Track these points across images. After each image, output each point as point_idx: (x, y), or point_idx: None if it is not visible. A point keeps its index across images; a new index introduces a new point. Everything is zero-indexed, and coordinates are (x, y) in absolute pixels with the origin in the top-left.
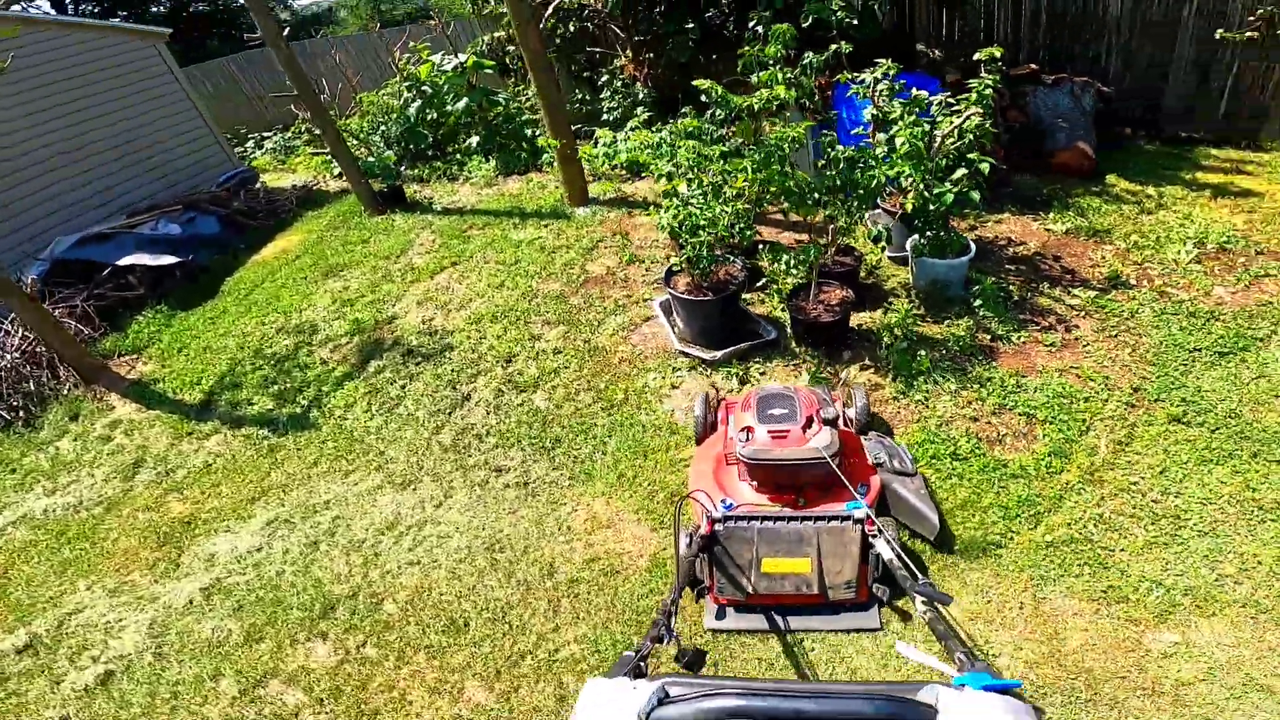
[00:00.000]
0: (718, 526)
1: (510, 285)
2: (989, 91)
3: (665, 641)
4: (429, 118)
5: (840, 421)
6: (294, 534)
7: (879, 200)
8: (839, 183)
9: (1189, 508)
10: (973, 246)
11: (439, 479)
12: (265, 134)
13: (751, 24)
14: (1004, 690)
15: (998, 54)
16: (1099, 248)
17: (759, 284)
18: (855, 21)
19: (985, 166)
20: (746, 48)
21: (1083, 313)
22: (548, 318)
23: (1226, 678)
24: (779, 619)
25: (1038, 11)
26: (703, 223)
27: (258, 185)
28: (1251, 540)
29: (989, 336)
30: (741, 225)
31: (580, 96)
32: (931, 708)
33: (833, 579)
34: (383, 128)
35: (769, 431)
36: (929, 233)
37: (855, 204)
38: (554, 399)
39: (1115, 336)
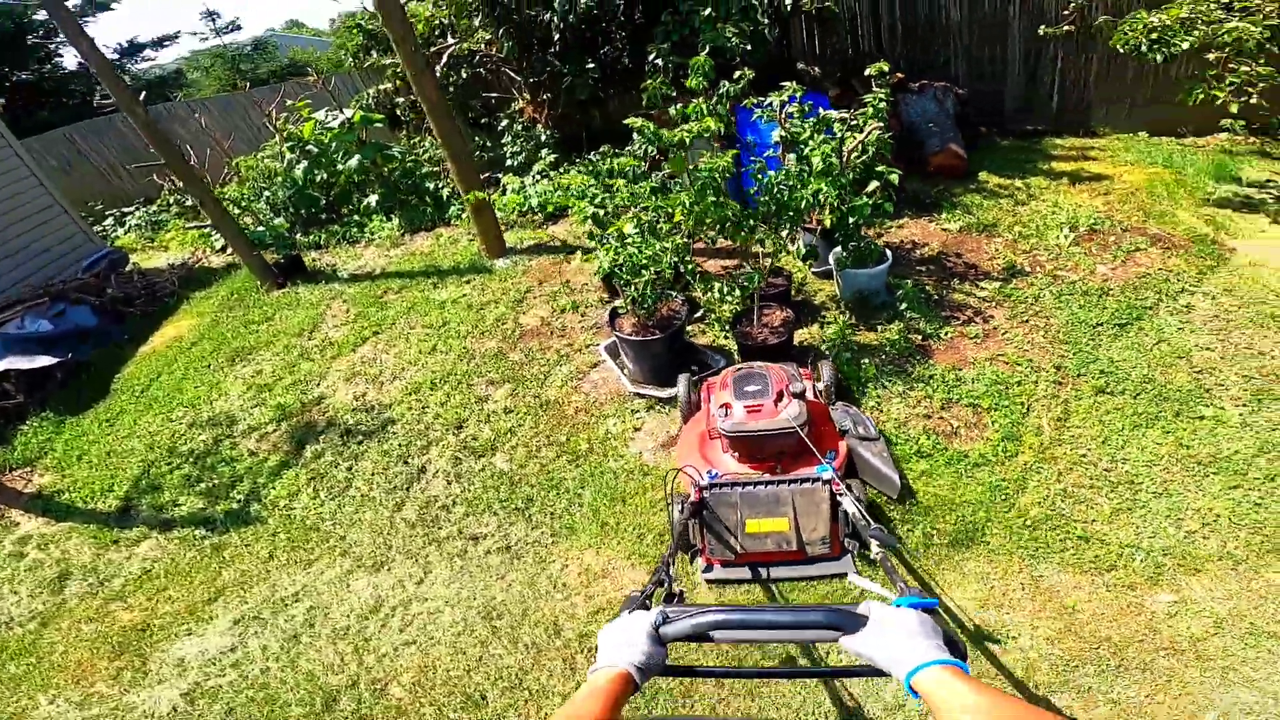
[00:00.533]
0: (705, 494)
1: (443, 348)
2: (883, 105)
3: (665, 585)
4: (318, 179)
5: (809, 394)
6: (268, 630)
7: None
8: (774, 207)
9: (1138, 472)
10: (889, 254)
11: (413, 556)
12: (126, 209)
13: (651, 57)
14: (926, 607)
15: (885, 69)
16: (990, 241)
17: (696, 315)
18: (749, 47)
19: (894, 177)
20: (649, 80)
21: (993, 303)
22: (491, 377)
23: (1233, 628)
24: (763, 570)
25: (894, 25)
26: (644, 261)
27: (129, 267)
28: (1202, 495)
29: (920, 337)
30: (681, 259)
31: (480, 143)
32: (865, 617)
33: (809, 535)
34: (267, 193)
35: (744, 407)
36: (850, 245)
37: (788, 226)
38: (516, 459)
39: (1027, 321)
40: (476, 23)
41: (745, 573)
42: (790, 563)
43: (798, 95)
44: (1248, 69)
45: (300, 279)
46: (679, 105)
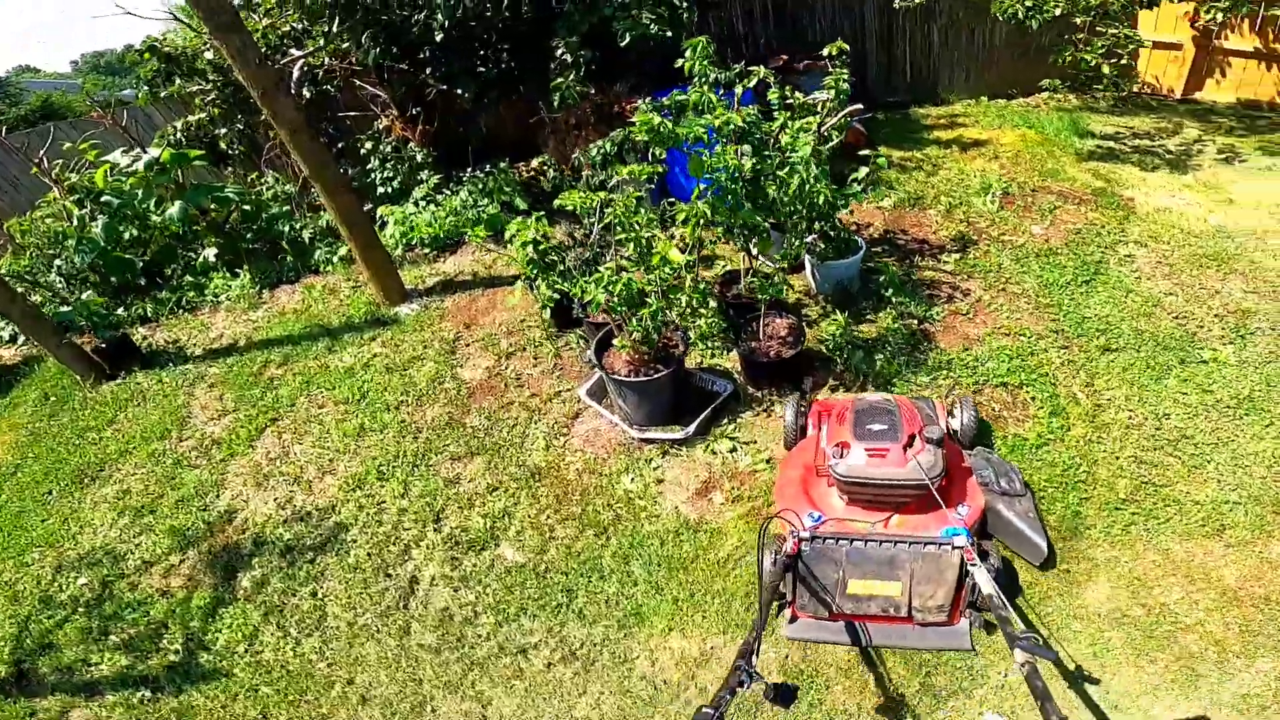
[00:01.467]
0: (804, 546)
1: (375, 427)
2: (845, 86)
3: (746, 687)
4: (128, 236)
5: (948, 434)
6: None
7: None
8: (798, 206)
9: (1185, 425)
10: (862, 242)
11: (456, 688)
12: None
13: (558, 53)
14: None
15: (845, 47)
16: (925, 214)
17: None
18: (669, 33)
19: (882, 160)
20: (560, 79)
21: (963, 275)
22: (454, 452)
23: None
24: (861, 631)
25: (766, 7)
26: (649, 288)
27: None
28: (1251, 438)
29: (916, 321)
30: (694, 283)
31: (340, 171)
32: None
33: (923, 602)
34: (59, 261)
35: (866, 450)
36: (830, 235)
37: (806, 226)
38: (529, 545)
39: (1003, 290)
40: (334, 29)
41: (838, 634)
42: (894, 626)
43: (770, 80)
44: (1115, 31)
45: (136, 366)
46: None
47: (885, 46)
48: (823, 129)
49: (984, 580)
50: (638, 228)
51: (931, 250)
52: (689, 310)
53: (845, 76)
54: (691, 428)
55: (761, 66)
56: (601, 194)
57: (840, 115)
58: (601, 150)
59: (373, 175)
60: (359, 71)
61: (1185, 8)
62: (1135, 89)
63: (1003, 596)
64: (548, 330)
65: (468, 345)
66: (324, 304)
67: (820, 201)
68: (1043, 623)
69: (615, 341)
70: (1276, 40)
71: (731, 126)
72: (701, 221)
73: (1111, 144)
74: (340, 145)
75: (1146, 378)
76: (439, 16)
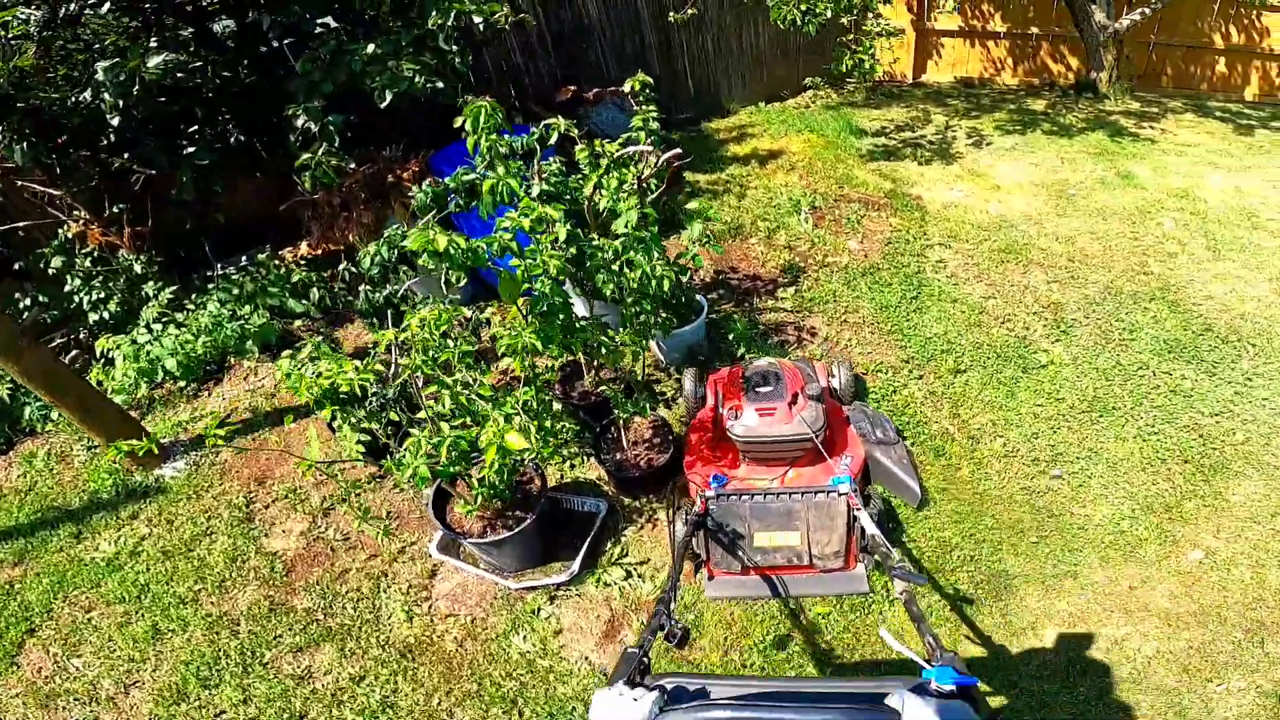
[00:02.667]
0: (710, 505)
1: (173, 627)
2: (655, 125)
3: (666, 630)
4: None
5: (828, 395)
6: None
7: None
8: (643, 304)
9: (1054, 443)
10: (704, 301)
11: None
12: None
13: (299, 121)
14: (963, 685)
15: (650, 80)
16: (748, 244)
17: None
18: (440, 84)
19: (712, 212)
20: (307, 154)
21: (804, 313)
22: (292, 643)
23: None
24: (774, 583)
25: (543, 35)
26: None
27: None
28: (1113, 440)
29: None
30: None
31: (18, 301)
32: (897, 713)
33: (821, 549)
34: None
35: (757, 409)
36: (673, 303)
37: (648, 318)
38: None
39: (845, 322)
40: None
41: (752, 588)
42: (800, 575)
43: (573, 131)
44: (877, 26)
45: None
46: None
47: (667, 62)
48: (642, 179)
49: (867, 522)
50: (449, 376)
51: (766, 286)
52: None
53: (654, 115)
54: (576, 565)
55: (558, 117)
56: (389, 334)
57: (663, 158)
58: (379, 256)
59: (77, 297)
60: (16, 169)
61: None
62: (878, 78)
63: (883, 536)
64: (368, 474)
65: (267, 507)
66: (54, 477)
67: (667, 288)
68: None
69: (456, 506)
70: (974, 18)
71: (546, 221)
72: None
73: (883, 140)
74: (17, 266)
75: (1001, 396)
76: (107, 96)
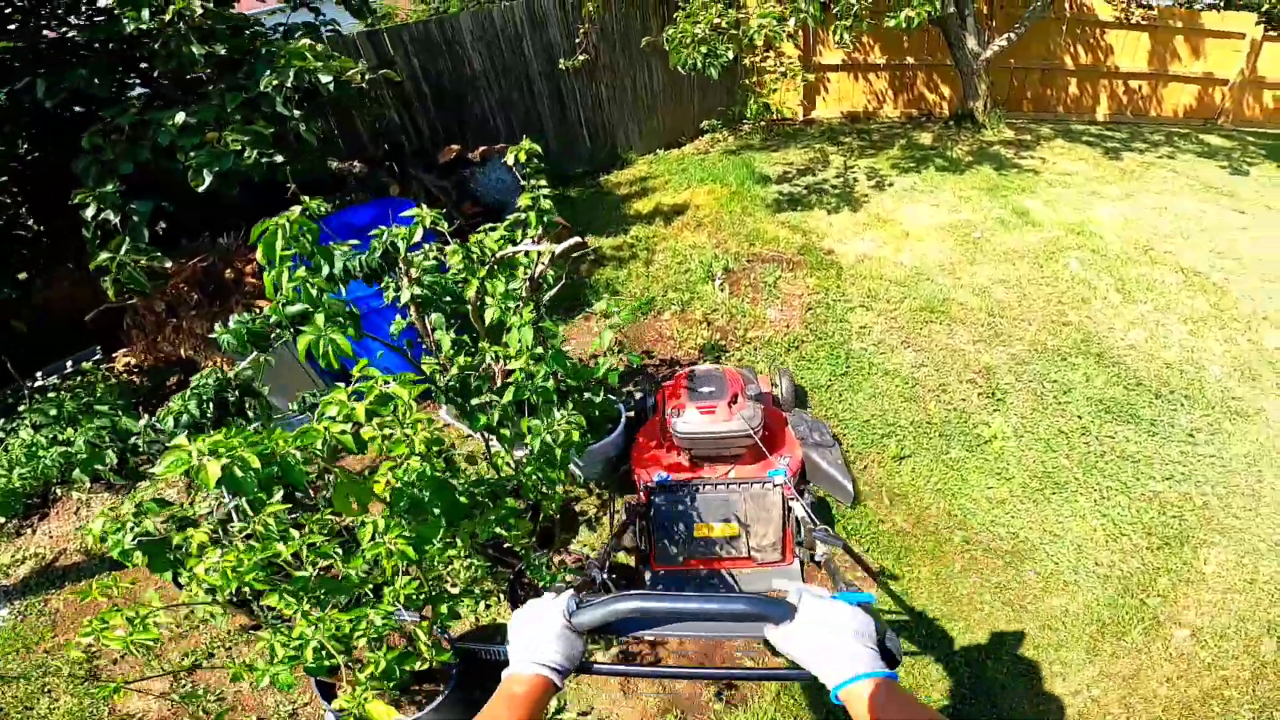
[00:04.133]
0: (653, 496)
1: None
2: (547, 204)
3: (598, 581)
4: None
5: (770, 399)
6: None
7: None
8: (546, 471)
9: (1012, 527)
10: (623, 408)
11: None
12: None
13: (88, 214)
14: (863, 602)
15: (537, 149)
16: (660, 320)
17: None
18: (279, 158)
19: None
20: (106, 254)
21: None
22: None
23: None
24: (714, 577)
25: (420, 88)
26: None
27: None
28: (1072, 518)
29: None
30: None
31: None
32: (794, 607)
33: (758, 541)
34: None
35: (698, 408)
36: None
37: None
38: None
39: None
40: None
41: (689, 584)
42: (739, 570)
43: (441, 224)
44: (782, 66)
45: None
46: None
47: (560, 112)
48: (535, 275)
49: (799, 509)
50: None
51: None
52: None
53: (545, 191)
54: None
55: (422, 207)
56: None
57: (558, 249)
58: (184, 415)
59: None
60: None
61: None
62: (772, 118)
63: (813, 516)
64: (239, 625)
65: (115, 663)
66: None
67: (576, 439)
68: None
69: (341, 698)
70: (856, 51)
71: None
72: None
73: (788, 187)
74: None
75: (950, 481)
76: None
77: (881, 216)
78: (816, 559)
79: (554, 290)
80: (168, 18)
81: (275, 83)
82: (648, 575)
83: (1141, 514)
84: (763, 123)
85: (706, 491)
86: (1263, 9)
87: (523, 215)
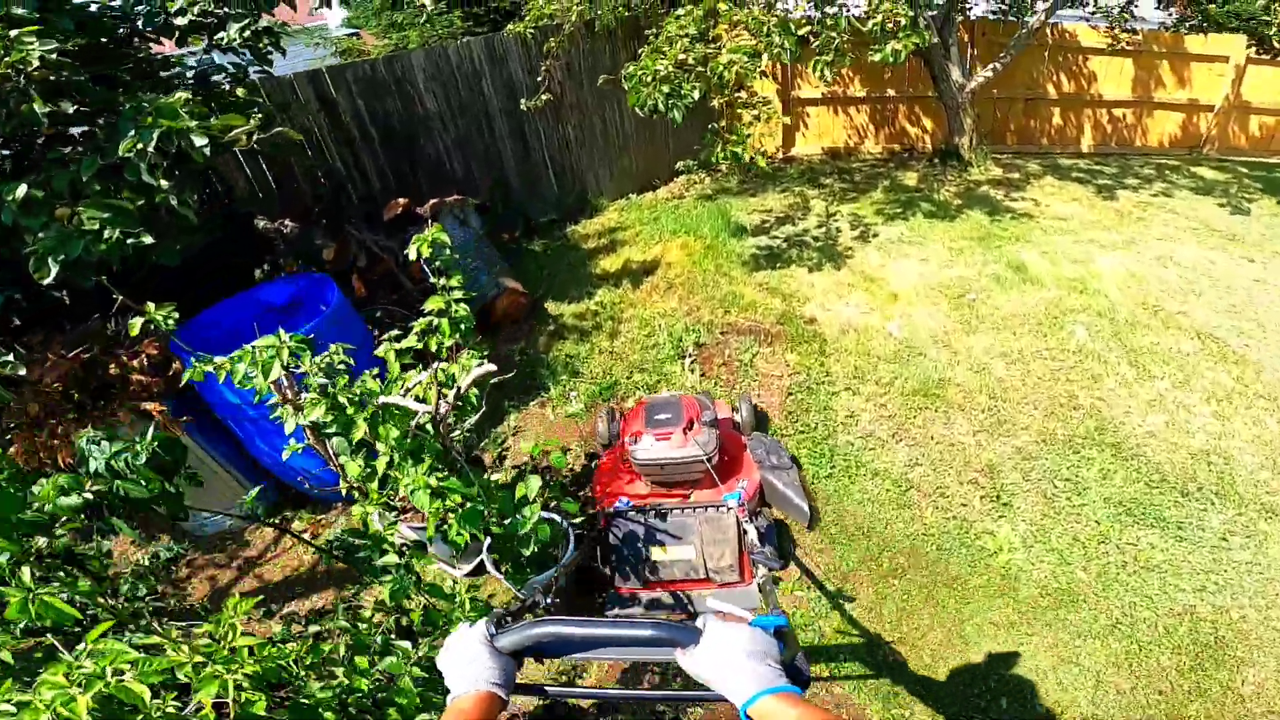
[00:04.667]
0: (610, 521)
1: None
2: (462, 310)
3: (539, 608)
4: None
5: (730, 424)
6: None
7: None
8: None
9: (1027, 657)
10: (572, 533)
11: None
12: None
13: None
14: (779, 628)
15: (442, 239)
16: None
17: None
18: (148, 239)
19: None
20: None
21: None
22: None
23: None
24: (678, 599)
25: (366, 130)
26: None
27: None
28: (1089, 640)
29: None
30: None
31: None
32: (700, 632)
33: (715, 563)
34: None
35: (654, 435)
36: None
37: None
38: None
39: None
40: None
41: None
42: (698, 592)
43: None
44: (757, 106)
45: None
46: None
47: (524, 155)
48: (439, 421)
49: (751, 530)
50: None
51: None
52: None
53: (458, 296)
54: None
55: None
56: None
57: (468, 381)
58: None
59: None
60: None
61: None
62: (749, 157)
63: (759, 539)
64: None
65: None
66: None
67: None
68: None
69: None
70: (836, 83)
71: None
72: None
73: (766, 240)
74: None
75: (951, 601)
76: None
77: (867, 274)
78: (758, 581)
79: (475, 417)
80: (1, 71)
81: (137, 147)
82: (611, 599)
83: (1170, 632)
84: (741, 162)
85: (663, 516)
86: (1256, 32)
87: (434, 321)
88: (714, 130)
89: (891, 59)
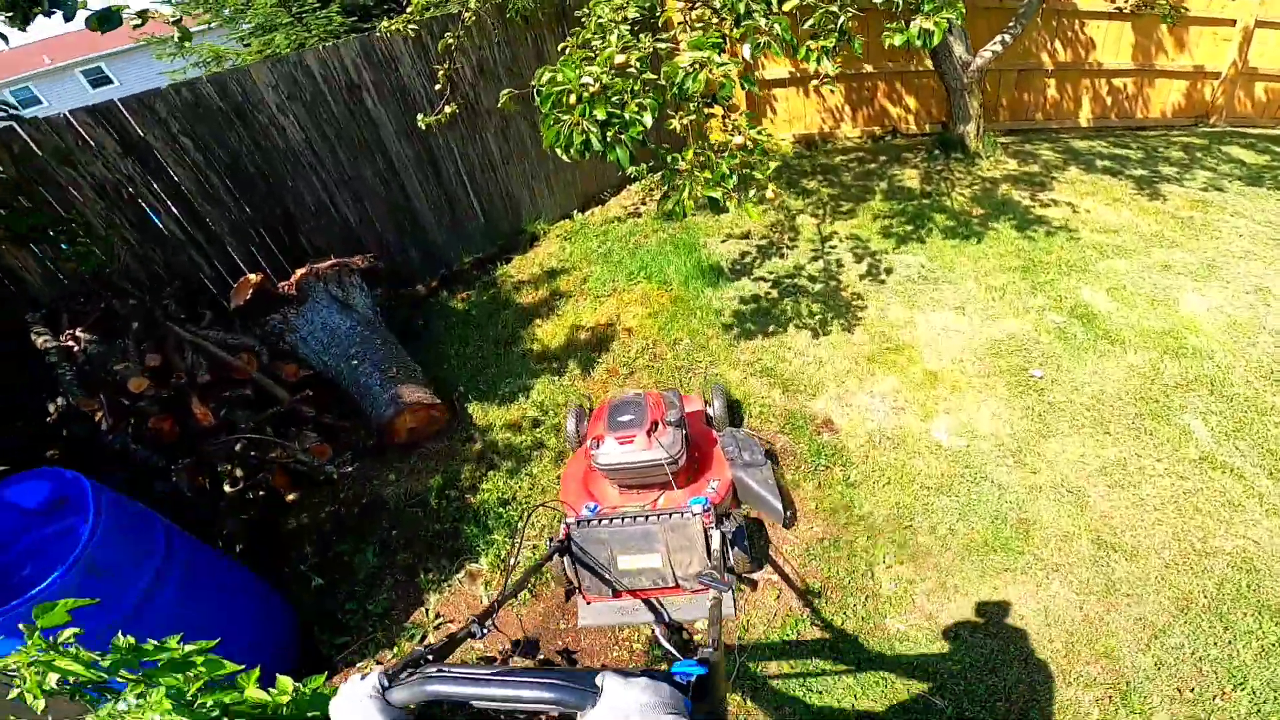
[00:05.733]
0: (573, 531)
1: None
2: None
3: (478, 636)
4: None
5: (702, 418)
6: None
7: None
8: None
9: None
10: None
11: None
12: None
13: None
14: (700, 678)
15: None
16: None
17: None
18: None
19: None
20: None
21: None
22: None
23: None
24: (652, 606)
25: (202, 177)
26: None
27: None
28: None
29: None
30: None
31: None
32: (598, 689)
33: (684, 570)
34: None
35: (617, 438)
36: None
37: None
38: None
39: None
40: None
41: (628, 614)
42: (669, 598)
43: None
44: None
45: None
46: None
47: (435, 181)
48: None
49: (715, 539)
50: None
51: None
52: None
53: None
54: None
55: None
56: None
57: None
58: None
59: None
60: None
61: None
62: (735, 205)
63: (724, 553)
64: None
65: None
66: None
67: None
68: None
69: None
70: (803, 60)
71: None
72: None
73: (749, 283)
74: None
75: None
76: None
77: (890, 339)
78: (708, 603)
79: None
80: None
81: None
82: (581, 609)
83: None
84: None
85: (626, 524)
86: None
87: None
88: (672, 168)
89: (920, 43)
